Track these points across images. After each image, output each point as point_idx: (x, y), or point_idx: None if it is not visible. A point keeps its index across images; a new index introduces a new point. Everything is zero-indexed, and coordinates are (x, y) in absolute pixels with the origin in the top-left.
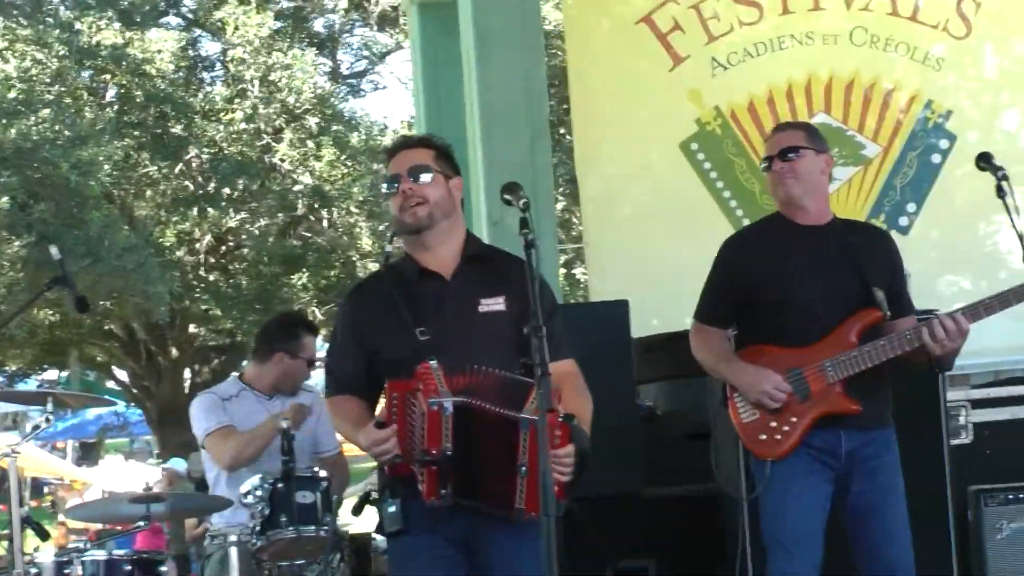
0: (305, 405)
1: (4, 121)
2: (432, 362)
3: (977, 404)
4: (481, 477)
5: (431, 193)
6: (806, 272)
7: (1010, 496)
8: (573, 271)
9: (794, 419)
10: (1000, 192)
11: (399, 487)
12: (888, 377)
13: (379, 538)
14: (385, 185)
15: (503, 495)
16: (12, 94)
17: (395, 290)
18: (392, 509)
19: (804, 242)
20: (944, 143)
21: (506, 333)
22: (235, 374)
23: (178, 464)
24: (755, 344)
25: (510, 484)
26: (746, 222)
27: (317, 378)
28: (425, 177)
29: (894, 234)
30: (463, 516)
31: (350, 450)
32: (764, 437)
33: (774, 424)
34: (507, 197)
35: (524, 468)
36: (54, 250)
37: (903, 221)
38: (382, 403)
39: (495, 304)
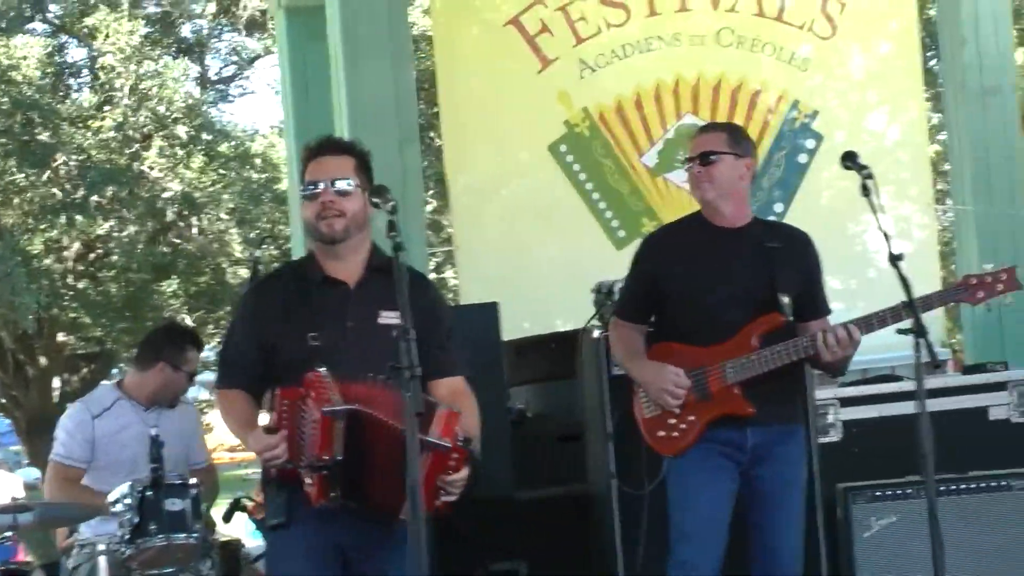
0: None
1: None
2: (322, 370)
3: (846, 402)
4: (369, 484)
5: (349, 207)
6: (716, 274)
7: (878, 493)
8: (443, 274)
9: (692, 417)
10: (865, 191)
11: (285, 484)
12: (797, 376)
13: (249, 545)
14: (302, 188)
15: (389, 505)
16: None
17: (296, 292)
18: (277, 500)
19: (718, 244)
20: (811, 143)
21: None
22: (112, 382)
23: (28, 475)
24: (665, 342)
25: (399, 496)
26: (615, 224)
27: (192, 391)
28: (346, 189)
29: None
30: (345, 520)
31: (219, 459)
32: (663, 433)
33: (673, 421)
34: (375, 200)
35: (417, 481)
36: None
37: (771, 220)
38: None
39: (394, 318)
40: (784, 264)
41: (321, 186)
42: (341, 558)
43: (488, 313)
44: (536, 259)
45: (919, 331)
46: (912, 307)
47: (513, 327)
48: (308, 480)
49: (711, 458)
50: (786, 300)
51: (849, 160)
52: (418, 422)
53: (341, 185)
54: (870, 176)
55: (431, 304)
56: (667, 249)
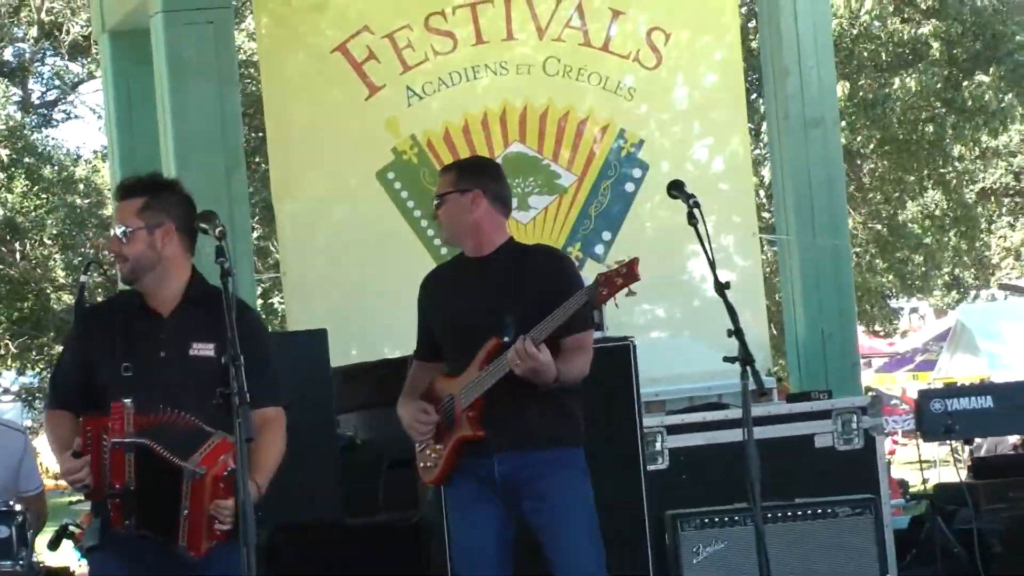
0: None
1: None
2: (127, 401)
3: (672, 430)
4: (157, 513)
5: (129, 251)
6: (463, 303)
7: (706, 520)
8: (271, 300)
9: (440, 446)
10: (692, 219)
11: (101, 508)
12: (544, 396)
13: (77, 572)
14: None
15: (171, 532)
16: None
17: (121, 320)
18: (94, 525)
19: (467, 275)
20: (637, 172)
21: (213, 379)
22: None
23: None
24: (440, 375)
25: (177, 524)
26: (443, 251)
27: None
28: (125, 235)
29: (589, 262)
30: (154, 545)
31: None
32: (422, 465)
33: (428, 451)
34: (203, 226)
35: (186, 511)
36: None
37: (599, 249)
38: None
39: (205, 349)
40: (518, 284)
41: (112, 232)
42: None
43: (317, 340)
44: (365, 285)
45: (746, 358)
46: (739, 333)
47: (341, 354)
48: (109, 505)
49: (470, 495)
50: (507, 320)
51: (676, 189)
52: (193, 448)
53: (119, 231)
54: (697, 205)
55: (246, 332)
56: (431, 288)
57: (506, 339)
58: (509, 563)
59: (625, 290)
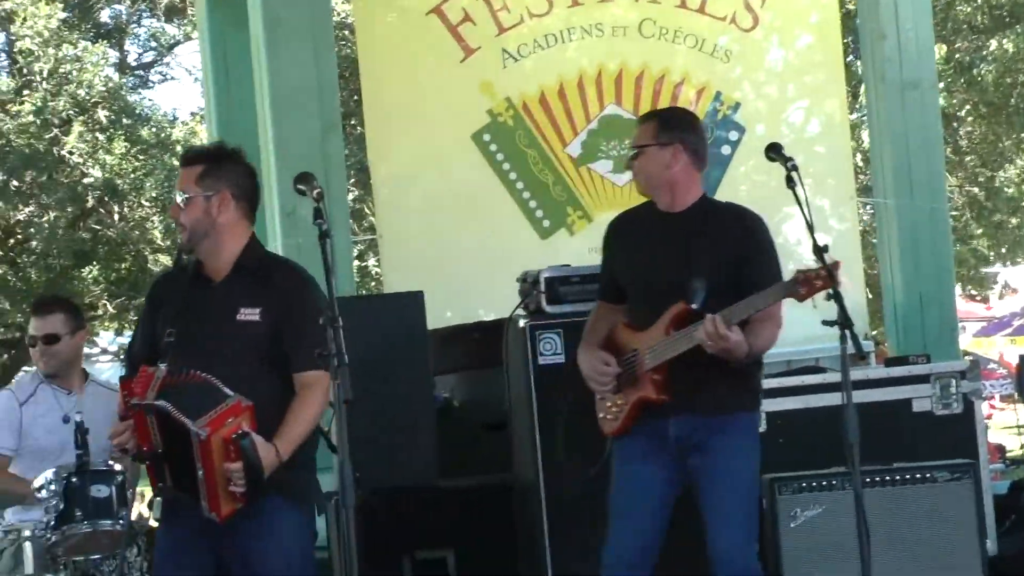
0: None
1: None
2: (162, 365)
3: (770, 393)
4: (184, 474)
5: (186, 218)
6: (651, 258)
7: (803, 484)
8: (366, 262)
9: (621, 401)
10: (790, 183)
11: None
12: (722, 363)
13: None
14: None
15: (196, 493)
16: None
17: (179, 288)
18: (157, 500)
19: (657, 229)
20: (734, 135)
21: (258, 343)
22: (35, 368)
23: None
24: (622, 324)
25: (197, 484)
26: (540, 214)
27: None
28: (182, 202)
29: None
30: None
31: None
32: (601, 415)
33: (608, 403)
34: (300, 187)
35: (200, 473)
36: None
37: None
38: None
39: (251, 314)
40: (705, 248)
41: (174, 199)
42: (209, 553)
43: (413, 302)
44: (459, 248)
45: (844, 322)
46: (838, 297)
47: (436, 316)
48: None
49: (642, 448)
50: (695, 286)
51: (773, 152)
52: (207, 408)
53: (178, 199)
54: (795, 168)
55: (300, 301)
56: (617, 235)
57: (694, 306)
58: (666, 521)
59: (824, 292)
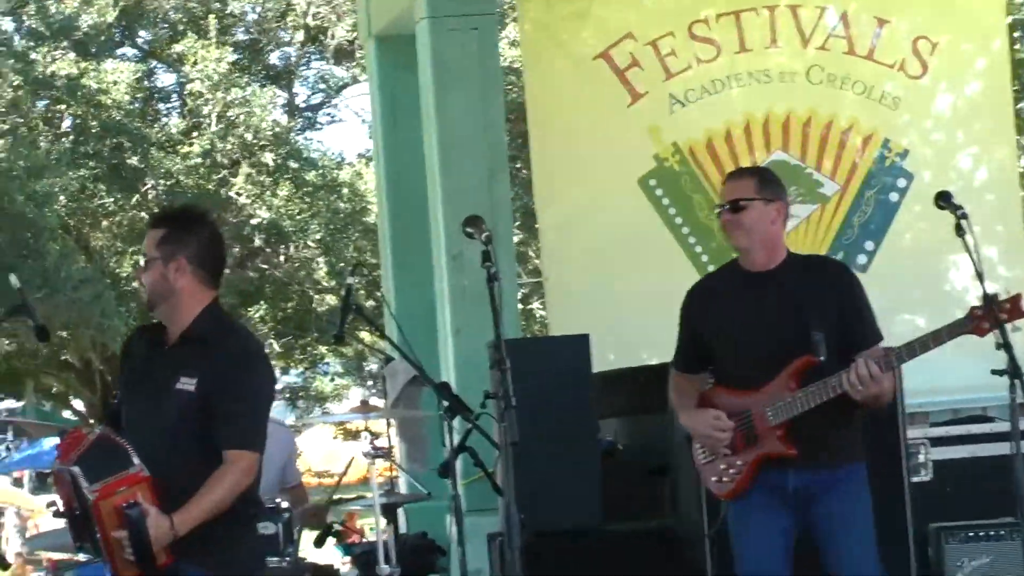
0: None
1: None
2: (96, 429)
3: (936, 442)
4: (93, 537)
5: (146, 280)
6: (750, 319)
7: (970, 534)
8: (529, 306)
9: (740, 462)
10: (959, 231)
11: None
12: (845, 415)
13: (343, 569)
14: None
15: (113, 569)
16: None
17: (143, 346)
18: None
19: (751, 290)
20: (902, 182)
21: (192, 412)
22: None
23: None
24: (716, 386)
25: (114, 563)
26: (704, 258)
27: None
28: (143, 263)
29: None
30: None
31: (306, 483)
32: (715, 479)
33: (724, 466)
34: (469, 230)
35: (97, 535)
36: (13, 279)
37: (861, 259)
38: None
39: (188, 384)
40: (815, 301)
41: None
42: None
43: (578, 345)
44: (624, 292)
45: (1014, 371)
46: (1007, 346)
47: (600, 359)
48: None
49: (762, 501)
50: (817, 338)
51: (943, 200)
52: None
53: (140, 260)
54: (965, 216)
55: (234, 373)
56: (705, 299)
57: (821, 359)
58: (790, 570)
59: (1011, 325)
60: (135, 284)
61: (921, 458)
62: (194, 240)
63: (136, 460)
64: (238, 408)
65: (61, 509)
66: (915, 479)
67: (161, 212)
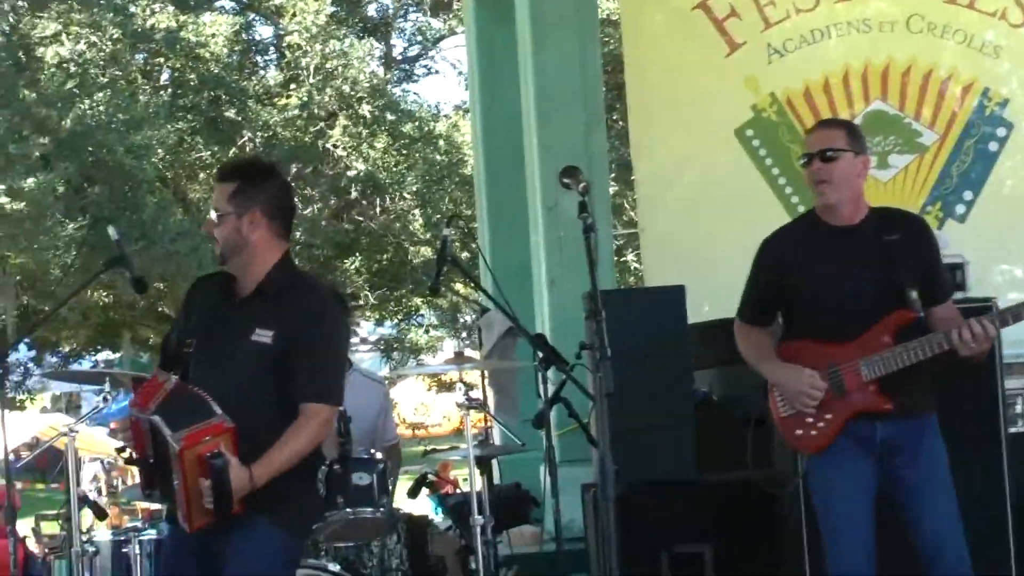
0: None
1: (60, 105)
2: (172, 377)
3: None
4: (167, 484)
5: (219, 234)
6: (839, 273)
7: None
8: (624, 257)
9: (829, 416)
10: None
11: None
12: (927, 367)
13: (436, 520)
14: None
15: (184, 515)
16: (69, 84)
17: (209, 298)
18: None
19: (837, 243)
20: (1001, 131)
21: (268, 364)
22: None
23: None
24: (794, 340)
25: (187, 507)
26: (801, 208)
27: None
28: (216, 218)
29: (950, 223)
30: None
31: (400, 434)
32: (800, 432)
33: (810, 420)
34: (566, 181)
35: (176, 483)
36: (112, 230)
37: (959, 209)
38: None
39: (265, 336)
40: (904, 255)
41: (209, 214)
42: (208, 558)
43: (674, 296)
44: (720, 243)
45: None
46: None
47: (695, 310)
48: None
49: (849, 454)
50: (913, 294)
51: None
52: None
53: (212, 215)
54: None
55: (314, 328)
56: (785, 250)
57: (920, 314)
58: (873, 521)
59: None
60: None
61: (1018, 408)
62: (266, 193)
63: (218, 410)
64: (317, 362)
65: (133, 456)
66: (1012, 429)
67: (230, 165)
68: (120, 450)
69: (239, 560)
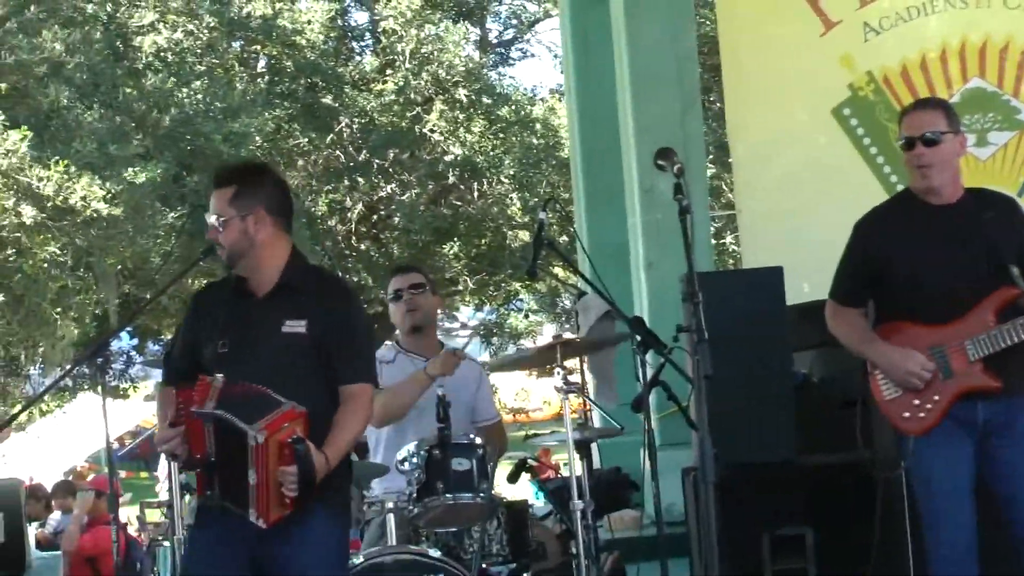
0: (458, 351)
1: (157, 102)
2: (219, 376)
3: None
4: (234, 483)
5: (223, 238)
6: (939, 252)
7: None
8: (723, 240)
9: (936, 397)
10: None
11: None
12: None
13: (536, 505)
14: None
15: (245, 501)
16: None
17: (223, 301)
18: (193, 504)
19: (936, 222)
20: None
21: (304, 354)
22: (394, 340)
23: None
24: (893, 321)
25: (247, 491)
26: (900, 187)
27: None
28: (219, 223)
29: None
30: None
31: (506, 419)
32: (907, 415)
33: (917, 402)
34: (660, 163)
35: (253, 479)
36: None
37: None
38: None
39: (297, 326)
40: (1003, 234)
41: (209, 221)
42: (248, 560)
43: (772, 277)
44: (818, 223)
45: None
46: None
47: (794, 291)
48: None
49: (952, 436)
50: (1015, 272)
51: None
52: (261, 415)
53: (212, 221)
54: None
55: (345, 313)
56: (883, 231)
57: None
58: (974, 503)
59: None
60: (331, 223)
61: None
62: (265, 191)
63: (282, 398)
64: (354, 346)
65: (182, 460)
66: None
67: (224, 170)
68: (173, 456)
69: (308, 550)
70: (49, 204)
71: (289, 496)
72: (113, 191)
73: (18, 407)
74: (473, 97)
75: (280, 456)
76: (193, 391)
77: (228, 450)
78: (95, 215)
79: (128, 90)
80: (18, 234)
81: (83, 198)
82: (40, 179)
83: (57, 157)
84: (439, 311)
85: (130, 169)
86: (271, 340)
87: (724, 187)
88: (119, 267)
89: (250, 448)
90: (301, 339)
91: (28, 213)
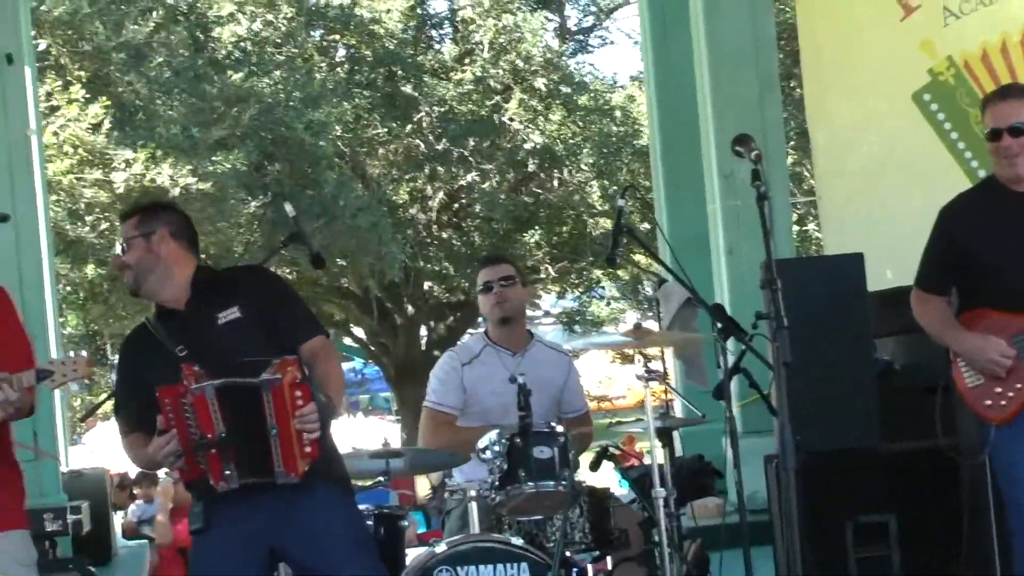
0: None
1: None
2: (196, 367)
3: None
4: (252, 449)
5: (129, 258)
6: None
7: None
8: (805, 227)
9: (1019, 385)
10: None
11: (202, 490)
12: None
13: (619, 493)
14: None
15: (268, 465)
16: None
17: (152, 331)
18: (196, 509)
19: (1021, 210)
20: None
21: (249, 334)
22: (481, 331)
23: None
24: (976, 309)
25: (270, 451)
26: (981, 173)
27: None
28: (124, 248)
29: None
30: (262, 510)
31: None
32: (990, 403)
33: (999, 390)
34: (738, 149)
35: (274, 430)
36: (288, 207)
37: None
38: None
39: (231, 315)
40: None
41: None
42: (266, 551)
43: (853, 264)
44: (899, 209)
45: None
46: None
47: (877, 277)
48: (205, 467)
49: None
50: None
51: None
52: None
53: (118, 250)
54: None
55: (269, 287)
56: (971, 219)
57: None
58: None
59: None
60: (412, 212)
61: None
62: (167, 216)
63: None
64: (295, 309)
65: (199, 441)
66: None
67: (127, 206)
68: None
69: (328, 523)
70: (136, 184)
71: (311, 439)
72: (198, 171)
73: (103, 396)
74: (552, 86)
75: (293, 400)
76: (179, 384)
77: (239, 418)
78: (185, 192)
79: (208, 87)
80: (108, 213)
81: (170, 176)
82: (126, 161)
83: (142, 141)
84: (526, 303)
85: (213, 156)
86: (216, 332)
87: (806, 173)
88: (203, 255)
89: (265, 402)
90: (240, 324)
91: (119, 179)
